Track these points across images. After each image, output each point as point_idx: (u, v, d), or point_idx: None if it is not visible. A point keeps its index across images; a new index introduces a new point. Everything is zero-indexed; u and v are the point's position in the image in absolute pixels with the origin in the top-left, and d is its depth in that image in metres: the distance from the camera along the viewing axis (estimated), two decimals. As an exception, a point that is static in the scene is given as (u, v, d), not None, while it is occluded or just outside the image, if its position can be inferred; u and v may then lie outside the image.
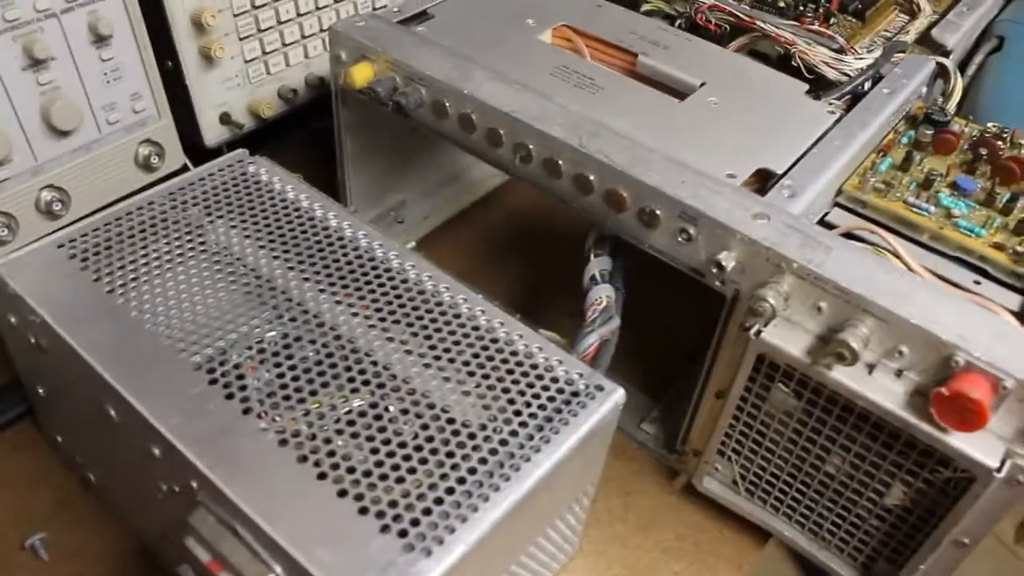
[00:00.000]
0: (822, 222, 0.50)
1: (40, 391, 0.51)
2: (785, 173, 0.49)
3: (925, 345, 0.41)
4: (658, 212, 0.47)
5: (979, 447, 0.41)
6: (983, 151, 0.53)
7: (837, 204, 0.52)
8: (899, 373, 0.43)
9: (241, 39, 0.64)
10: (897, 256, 0.46)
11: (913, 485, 0.45)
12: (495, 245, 0.71)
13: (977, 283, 0.48)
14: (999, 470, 0.41)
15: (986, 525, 0.44)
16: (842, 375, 0.43)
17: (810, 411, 0.46)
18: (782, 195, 0.48)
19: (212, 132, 0.65)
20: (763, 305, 0.43)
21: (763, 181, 0.50)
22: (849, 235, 0.48)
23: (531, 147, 0.50)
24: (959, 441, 0.41)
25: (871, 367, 0.43)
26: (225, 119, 0.65)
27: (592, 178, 0.48)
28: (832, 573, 0.51)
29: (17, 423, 0.57)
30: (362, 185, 0.64)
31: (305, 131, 0.73)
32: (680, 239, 0.46)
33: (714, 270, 0.45)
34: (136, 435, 0.41)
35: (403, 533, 0.36)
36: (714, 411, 0.50)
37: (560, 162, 0.49)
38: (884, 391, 0.42)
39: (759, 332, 0.44)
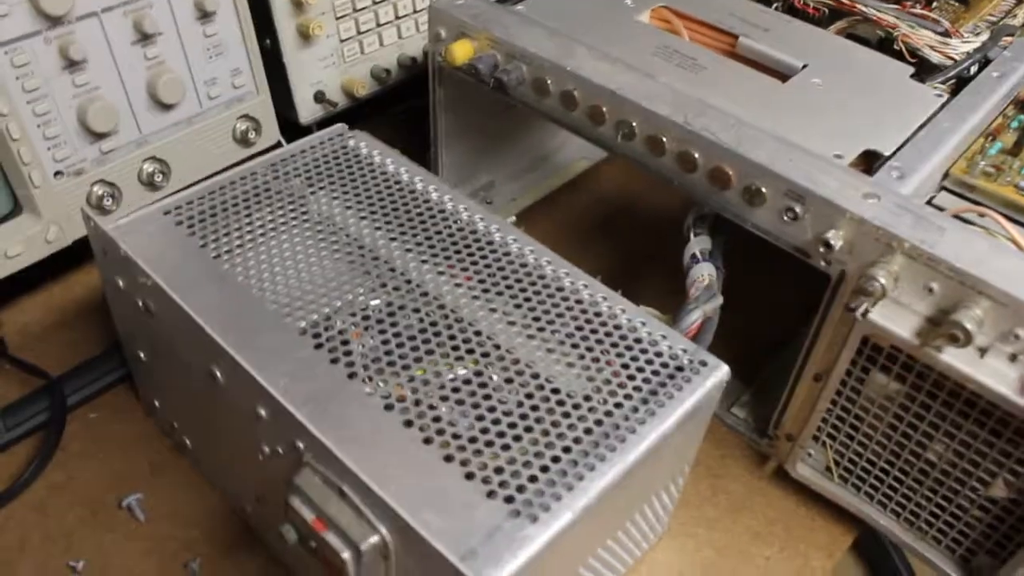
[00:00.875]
0: (930, 205, 0.49)
1: (141, 355, 0.52)
2: (893, 155, 0.49)
3: (1043, 329, 0.40)
4: (764, 190, 0.46)
5: (1096, 435, 0.40)
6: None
7: (944, 188, 0.51)
8: (1013, 357, 0.41)
9: (337, 18, 0.64)
10: (1012, 240, 0.45)
11: (1021, 476, 0.44)
12: (584, 227, 0.71)
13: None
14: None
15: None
16: (953, 358, 0.42)
17: (913, 395, 0.45)
18: (891, 176, 0.47)
19: (306, 110, 0.66)
20: (874, 284, 0.42)
21: (869, 163, 0.49)
22: (958, 218, 0.47)
23: (635, 124, 0.50)
24: (1074, 428, 0.40)
25: (983, 351, 0.42)
26: (319, 97, 0.66)
27: (697, 156, 0.48)
28: (929, 564, 0.49)
29: (114, 388, 0.58)
30: (453, 164, 0.64)
31: (397, 110, 0.73)
32: (786, 218, 0.46)
33: (821, 249, 0.44)
34: (243, 397, 0.41)
35: (509, 499, 0.36)
36: (812, 394, 0.50)
37: (664, 139, 0.49)
38: (997, 375, 0.41)
39: (866, 312, 0.44)
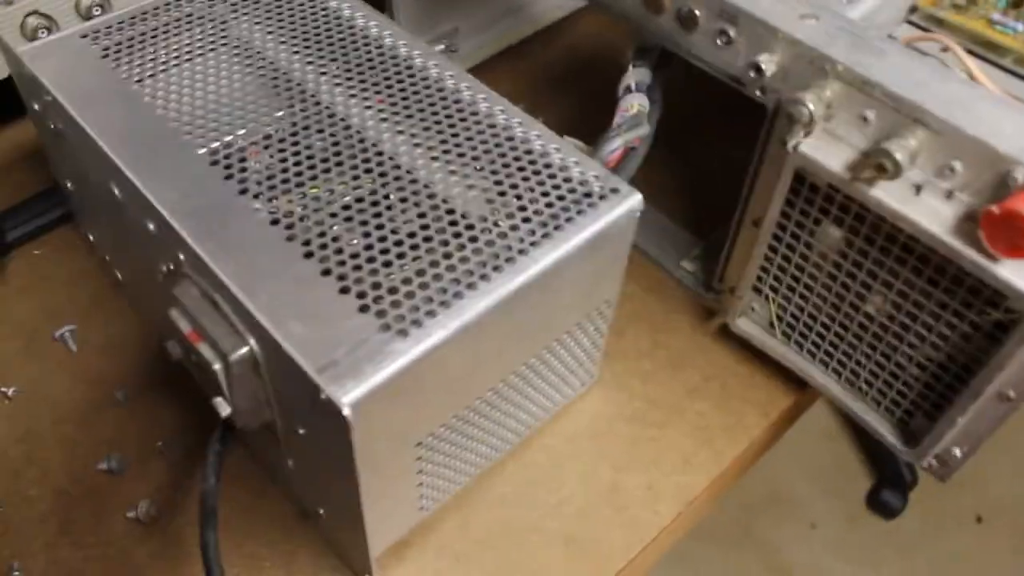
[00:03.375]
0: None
1: (68, 185, 0.51)
2: (848, -22, 0.45)
3: (980, 160, 0.36)
4: (697, 12, 0.43)
5: (1030, 278, 0.36)
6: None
7: (910, 22, 0.47)
8: (949, 194, 0.38)
9: None
10: (968, 72, 0.41)
11: (958, 329, 0.41)
12: (552, 77, 0.68)
13: (1061, 109, 0.43)
14: (1053, 306, 0.36)
15: (1039, 376, 0.40)
16: (884, 193, 0.39)
17: (851, 241, 0.43)
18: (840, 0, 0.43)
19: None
20: (800, 110, 0.39)
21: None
22: (912, 48, 0.43)
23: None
24: (1009, 272, 0.37)
25: (919, 188, 0.39)
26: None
27: (630, -24, 0.44)
28: (866, 427, 0.47)
29: (62, 226, 0.58)
30: (412, 8, 0.61)
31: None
32: (719, 42, 0.42)
33: (752, 74, 0.41)
34: (137, 213, 0.40)
35: (381, 314, 0.35)
36: (751, 242, 0.47)
37: (597, -41, 0.45)
38: (930, 213, 0.38)
39: (797, 145, 0.41)
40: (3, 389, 0.50)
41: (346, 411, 0.32)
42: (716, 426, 0.49)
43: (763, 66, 0.41)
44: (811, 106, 0.39)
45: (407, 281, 0.36)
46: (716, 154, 0.60)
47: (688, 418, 0.49)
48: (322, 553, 0.44)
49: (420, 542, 0.44)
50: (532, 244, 0.37)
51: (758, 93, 0.42)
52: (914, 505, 1.22)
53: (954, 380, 0.43)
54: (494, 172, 0.40)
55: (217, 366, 0.36)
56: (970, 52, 0.45)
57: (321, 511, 0.42)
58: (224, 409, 0.37)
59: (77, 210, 0.54)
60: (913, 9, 0.46)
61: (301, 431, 0.37)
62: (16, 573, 0.43)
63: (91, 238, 0.54)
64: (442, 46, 0.65)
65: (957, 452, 0.45)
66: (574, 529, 0.45)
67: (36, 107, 0.47)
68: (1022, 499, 1.24)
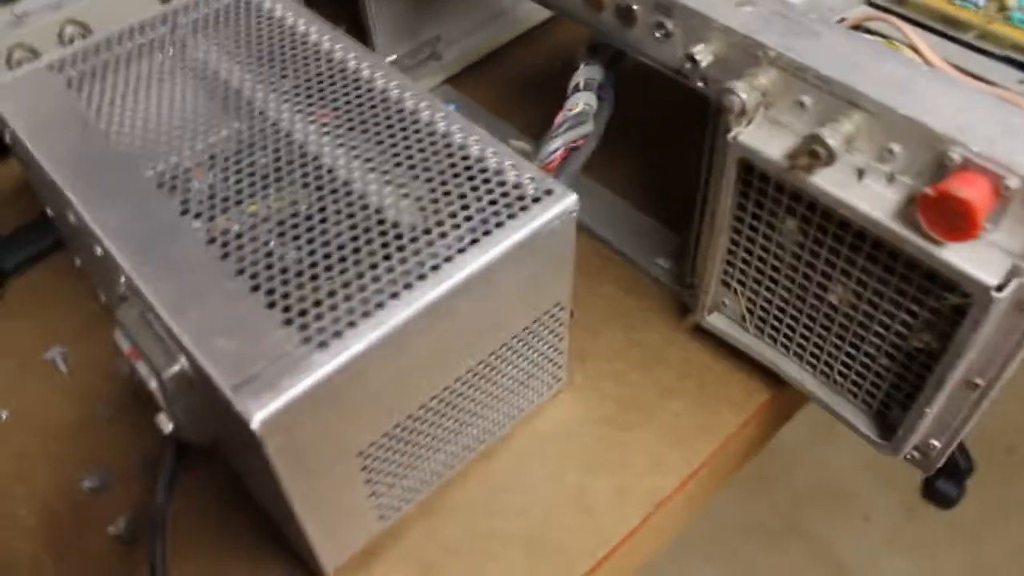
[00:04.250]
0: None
1: (49, 212, 0.53)
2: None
3: (918, 141, 0.35)
4: (634, 7, 0.42)
5: (975, 261, 0.35)
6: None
7: (871, 3, 0.45)
8: (891, 178, 0.37)
9: None
10: (914, 48, 0.40)
11: (919, 316, 0.39)
12: (534, 80, 0.67)
13: (1022, 83, 0.41)
14: (1000, 288, 0.34)
15: (1003, 363, 0.38)
16: (825, 180, 0.38)
17: (806, 231, 0.41)
18: (783, -16, 0.42)
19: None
20: (731, 99, 0.38)
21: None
22: (863, 29, 0.42)
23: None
24: (952, 254, 0.35)
25: (861, 172, 0.37)
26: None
27: (569, -25, 0.44)
28: (843, 421, 0.46)
29: (59, 250, 0.60)
30: (389, 15, 0.61)
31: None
32: (658, 35, 0.42)
33: (689, 66, 0.40)
34: (88, 239, 0.41)
35: (304, 327, 0.35)
36: (713, 234, 0.46)
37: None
38: (873, 198, 0.37)
39: (737, 135, 0.40)
40: (-3, 410, 0.52)
41: (255, 426, 0.32)
42: (690, 426, 0.48)
43: (698, 57, 0.40)
44: (742, 95, 0.38)
45: (332, 293, 0.36)
46: (693, 148, 0.59)
47: (661, 418, 0.48)
48: (297, 563, 0.45)
49: (385, 552, 0.44)
50: (459, 251, 0.37)
51: (700, 84, 0.41)
52: (973, 494, 1.18)
53: (923, 369, 0.41)
54: (429, 180, 0.40)
55: (153, 384, 0.37)
56: (931, 30, 0.43)
57: (281, 523, 0.43)
58: (167, 425, 0.38)
59: (63, 235, 0.56)
60: (872, -12, 0.45)
61: (238, 445, 0.38)
62: (3, 589, 0.45)
63: (77, 262, 0.56)
64: (425, 54, 0.65)
65: (936, 443, 0.43)
66: (539, 533, 0.44)
67: (7, 138, 0.48)
68: (1092, 484, 1.19)
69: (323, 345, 0.34)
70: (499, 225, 0.38)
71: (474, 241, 0.38)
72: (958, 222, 0.34)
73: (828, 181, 0.38)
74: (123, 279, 0.39)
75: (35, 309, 0.57)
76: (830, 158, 0.36)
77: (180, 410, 0.38)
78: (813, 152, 0.36)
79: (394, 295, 0.36)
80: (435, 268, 0.37)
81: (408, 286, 0.36)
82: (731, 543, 1.16)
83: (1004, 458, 1.21)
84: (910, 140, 0.35)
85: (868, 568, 1.14)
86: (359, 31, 0.55)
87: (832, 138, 0.36)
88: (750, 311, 0.47)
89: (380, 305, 0.36)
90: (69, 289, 0.57)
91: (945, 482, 1.17)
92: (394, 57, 0.63)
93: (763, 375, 0.49)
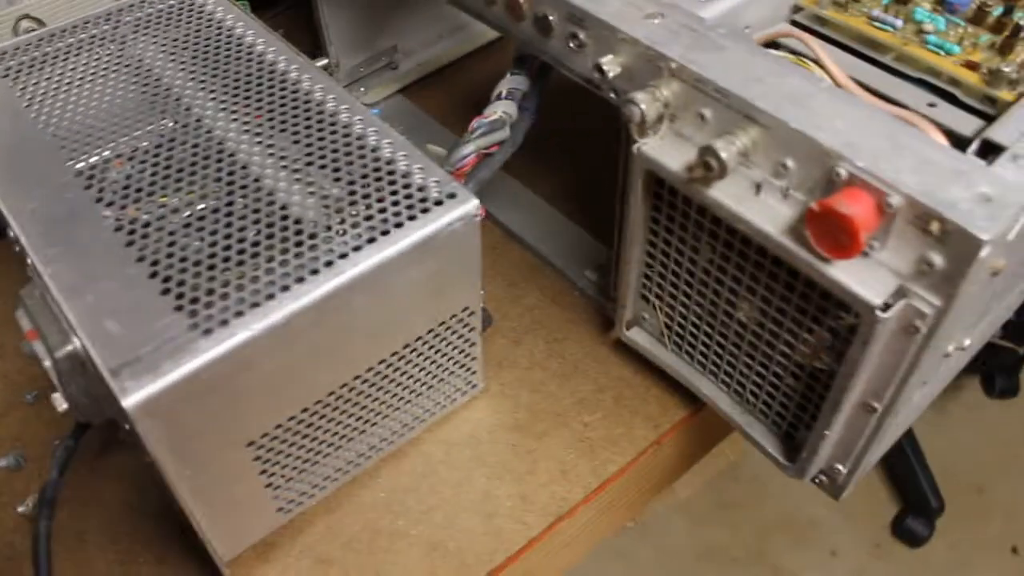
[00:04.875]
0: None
1: None
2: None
3: (808, 156, 0.35)
4: (551, 17, 0.42)
5: (861, 280, 0.35)
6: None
7: (794, 22, 0.45)
8: (786, 193, 0.37)
9: None
10: (819, 63, 0.40)
11: (818, 335, 0.40)
12: (485, 95, 0.68)
13: (932, 105, 0.41)
14: (885, 308, 0.34)
15: (896, 386, 0.38)
16: (722, 193, 0.38)
17: (713, 246, 0.42)
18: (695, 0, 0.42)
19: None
20: (631, 109, 0.38)
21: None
22: (773, 45, 0.42)
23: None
24: (839, 272, 0.35)
25: (759, 187, 0.38)
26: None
27: (492, -13, 0.45)
28: (752, 441, 0.46)
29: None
30: (343, 25, 0.62)
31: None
32: (572, 45, 0.42)
33: (597, 76, 0.41)
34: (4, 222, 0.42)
35: (193, 313, 0.36)
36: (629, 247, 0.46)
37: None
38: (767, 213, 0.37)
39: (640, 146, 0.40)
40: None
41: (128, 407, 0.33)
42: (601, 438, 0.48)
43: (606, 67, 0.40)
44: (642, 106, 0.38)
45: (227, 284, 0.37)
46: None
47: (573, 429, 0.48)
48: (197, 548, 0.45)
49: (286, 544, 0.44)
50: (355, 248, 0.38)
51: (612, 95, 0.42)
52: (942, 533, 1.16)
53: (824, 391, 0.41)
54: (338, 180, 0.41)
55: (47, 363, 0.37)
56: (851, 51, 0.44)
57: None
58: (61, 404, 0.39)
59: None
60: (797, 9, 0.45)
61: (126, 427, 0.38)
62: (-88, 566, 0.46)
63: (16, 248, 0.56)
64: (381, 63, 0.66)
65: (840, 468, 0.43)
66: (440, 536, 0.44)
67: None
68: (1064, 530, 1.17)
69: (208, 332, 0.35)
70: (398, 225, 0.39)
71: (371, 240, 0.38)
72: (842, 238, 0.34)
73: (725, 194, 0.38)
74: (29, 260, 0.39)
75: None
76: (722, 171, 0.37)
77: (74, 390, 0.38)
78: (707, 164, 0.37)
79: (284, 288, 0.36)
80: (328, 264, 0.37)
81: (300, 280, 0.37)
82: (695, 569, 1.15)
83: (974, 498, 1.20)
84: (801, 155, 0.36)
85: (833, 603, 1.13)
86: (314, 39, 0.55)
87: (725, 151, 0.36)
88: (668, 327, 0.48)
89: (270, 296, 0.36)
90: (7, 274, 0.58)
91: (915, 520, 1.16)
92: (350, 65, 0.64)
93: (682, 392, 0.49)
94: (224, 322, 0.35)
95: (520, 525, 0.45)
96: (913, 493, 1.16)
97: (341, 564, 0.44)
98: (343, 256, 0.37)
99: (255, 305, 0.36)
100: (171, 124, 0.44)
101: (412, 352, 0.43)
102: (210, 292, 0.36)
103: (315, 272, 0.37)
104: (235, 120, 0.44)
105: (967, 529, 1.17)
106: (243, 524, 0.42)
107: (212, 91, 0.46)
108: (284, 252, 0.38)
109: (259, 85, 0.46)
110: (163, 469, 0.36)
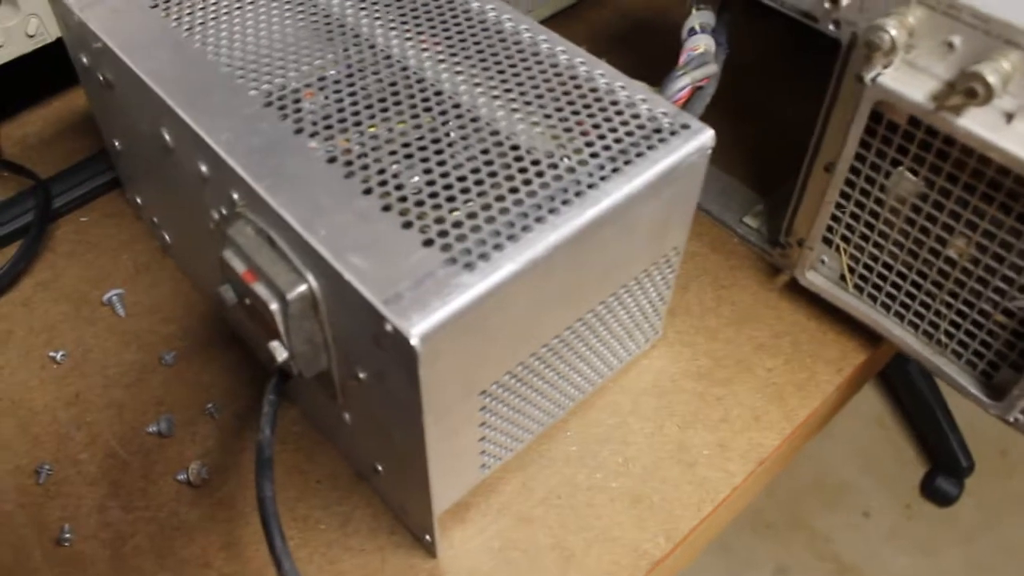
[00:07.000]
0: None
1: (117, 144, 0.50)
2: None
3: (1077, 82, 0.34)
4: (768, -56, 0.41)
5: None
6: None
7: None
8: (1043, 121, 0.36)
9: None
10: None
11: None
12: (605, 39, 0.66)
13: None
14: None
15: None
16: (973, 123, 0.37)
17: (932, 181, 0.40)
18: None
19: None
20: (882, 37, 0.37)
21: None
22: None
23: None
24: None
25: (1010, 116, 0.37)
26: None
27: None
28: (947, 381, 0.45)
29: (109, 193, 0.57)
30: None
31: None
32: (793, -26, 0.41)
33: (827, 6, 0.39)
34: (189, 157, 0.39)
35: (446, 247, 0.33)
36: (823, 189, 0.45)
37: None
38: (1022, 142, 0.36)
39: (876, 76, 0.38)
40: (52, 354, 0.49)
41: (414, 341, 0.30)
42: (787, 383, 0.46)
43: (840, -5, 0.39)
44: (893, 32, 0.37)
45: (472, 216, 0.34)
46: (775, 110, 0.58)
47: (757, 375, 0.47)
48: (379, 514, 0.42)
49: (481, 503, 0.42)
50: (602, 178, 0.36)
51: (831, 27, 0.40)
52: (971, 492, 1.19)
53: (1039, 328, 0.40)
54: (558, 110, 0.39)
55: (274, 306, 0.34)
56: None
57: (380, 468, 0.40)
58: (281, 353, 0.36)
59: (124, 174, 0.53)
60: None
61: (362, 376, 0.35)
62: (67, 535, 0.42)
63: (139, 201, 0.53)
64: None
65: (1045, 407, 0.43)
66: (642, 488, 0.43)
67: (85, 60, 0.46)
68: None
69: (470, 266, 0.32)
70: (639, 155, 0.37)
71: (616, 170, 0.36)
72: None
73: (977, 123, 0.37)
74: (237, 195, 0.37)
75: (86, 250, 0.54)
76: (988, 96, 0.35)
77: (297, 337, 0.35)
78: (971, 91, 0.35)
79: (539, 219, 0.34)
80: (579, 194, 0.35)
81: (553, 211, 0.34)
82: (729, 533, 1.15)
83: (998, 460, 1.22)
84: (1067, 81, 0.34)
85: (868, 563, 1.14)
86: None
87: (992, 76, 0.35)
88: (851, 269, 0.47)
89: (527, 228, 0.34)
90: (121, 231, 0.55)
91: (945, 480, 1.17)
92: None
93: (858, 335, 0.48)
94: (484, 256, 0.33)
95: (723, 473, 0.43)
96: (943, 453, 1.18)
97: (543, 521, 0.42)
98: (592, 187, 0.35)
99: (512, 238, 0.33)
100: (354, 54, 0.41)
101: (625, 292, 0.41)
102: (457, 225, 0.34)
103: (567, 203, 0.35)
104: (425, 51, 0.42)
105: (996, 487, 1.19)
106: (452, 482, 0.40)
107: (389, 22, 0.43)
108: (526, 183, 0.36)
109: (441, 15, 0.43)
110: (420, 414, 0.33)
